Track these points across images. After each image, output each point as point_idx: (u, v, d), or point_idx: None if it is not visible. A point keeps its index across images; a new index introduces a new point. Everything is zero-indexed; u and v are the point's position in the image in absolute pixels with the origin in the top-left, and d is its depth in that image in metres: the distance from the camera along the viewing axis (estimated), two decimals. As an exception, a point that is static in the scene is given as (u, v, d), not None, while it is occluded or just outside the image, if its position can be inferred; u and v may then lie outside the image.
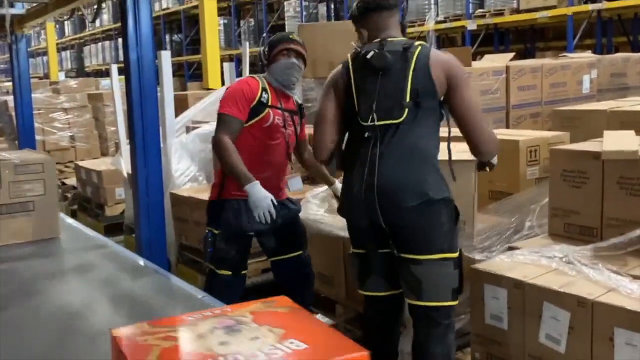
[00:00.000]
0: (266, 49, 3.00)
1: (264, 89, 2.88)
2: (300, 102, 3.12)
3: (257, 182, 2.72)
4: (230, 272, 2.92)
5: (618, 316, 1.99)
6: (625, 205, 2.47)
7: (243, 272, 3.00)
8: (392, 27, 2.44)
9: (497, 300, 2.36)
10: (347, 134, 2.47)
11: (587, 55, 6.20)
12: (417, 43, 2.35)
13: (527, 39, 11.85)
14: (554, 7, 9.05)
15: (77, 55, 21.12)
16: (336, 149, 2.47)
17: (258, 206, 2.70)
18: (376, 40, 2.40)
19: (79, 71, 19.35)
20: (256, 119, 2.84)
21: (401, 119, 2.28)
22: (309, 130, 3.04)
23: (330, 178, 3.19)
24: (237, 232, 2.88)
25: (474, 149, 2.44)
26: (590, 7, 8.76)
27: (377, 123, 2.29)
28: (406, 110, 2.28)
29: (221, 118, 2.83)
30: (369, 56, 2.34)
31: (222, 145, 2.75)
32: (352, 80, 2.37)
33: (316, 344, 0.91)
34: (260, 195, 2.70)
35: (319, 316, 3.51)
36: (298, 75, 3.00)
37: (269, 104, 2.87)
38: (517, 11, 9.54)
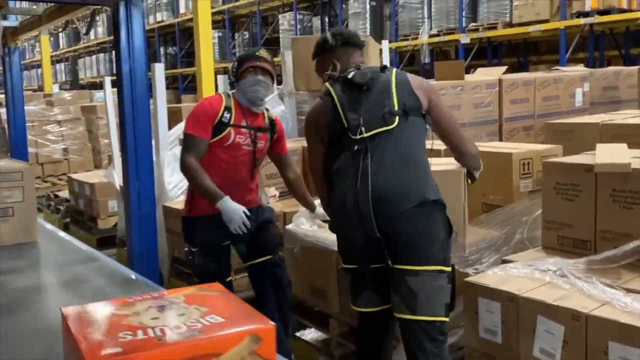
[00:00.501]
0: (235, 66, 3.03)
1: (226, 108, 2.91)
2: (272, 117, 3.13)
3: (227, 197, 2.81)
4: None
5: (612, 330, 1.98)
6: (619, 218, 2.46)
7: (228, 279, 3.08)
8: (362, 61, 2.60)
9: (491, 313, 2.35)
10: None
11: (580, 69, 6.24)
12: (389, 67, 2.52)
13: (520, 53, 11.92)
14: (546, 21, 9.12)
15: (72, 68, 21.13)
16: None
17: (232, 220, 2.80)
18: (350, 69, 2.49)
19: (73, 84, 19.39)
20: (216, 137, 2.89)
21: (393, 126, 2.34)
22: (293, 144, 3.11)
23: (312, 204, 3.20)
24: (212, 247, 2.97)
25: (461, 157, 2.59)
26: (583, 21, 8.83)
27: (365, 135, 2.33)
28: (397, 117, 2.35)
29: (186, 139, 2.91)
30: (350, 76, 2.43)
31: (188, 167, 2.85)
32: (337, 100, 2.42)
33: (231, 318, 1.11)
34: (232, 209, 2.80)
35: (311, 330, 3.49)
36: (265, 91, 3.00)
37: (231, 123, 2.90)
38: (510, 25, 9.60)
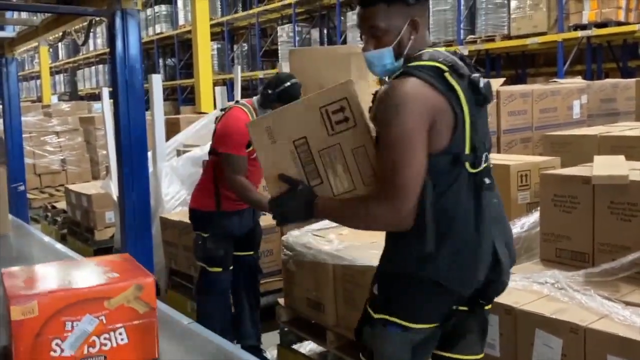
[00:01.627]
0: (275, 97, 3.14)
1: None
2: None
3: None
4: (220, 269, 3.34)
5: (611, 343, 1.96)
6: (616, 230, 2.45)
7: (230, 267, 3.41)
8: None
9: (489, 326, 2.33)
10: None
11: (577, 81, 6.24)
12: None
13: (518, 65, 11.96)
14: (544, 33, 9.15)
15: (71, 79, 21.16)
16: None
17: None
18: (439, 48, 1.81)
19: (72, 95, 19.36)
20: (247, 151, 3.16)
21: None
22: None
23: None
24: (228, 235, 3.34)
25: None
26: (580, 33, 8.86)
27: (482, 168, 1.75)
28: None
29: (230, 159, 3.16)
30: (481, 84, 1.72)
31: (239, 186, 3.16)
32: (465, 106, 1.69)
33: (123, 274, 1.50)
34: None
35: (308, 343, 3.46)
36: None
37: None
38: (508, 37, 9.63)
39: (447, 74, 1.68)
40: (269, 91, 3.16)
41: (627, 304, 2.15)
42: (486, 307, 1.91)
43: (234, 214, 3.36)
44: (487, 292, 1.83)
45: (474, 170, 1.72)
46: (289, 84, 3.17)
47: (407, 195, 1.65)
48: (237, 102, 3.44)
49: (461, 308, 1.83)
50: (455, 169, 1.70)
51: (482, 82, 1.72)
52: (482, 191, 1.74)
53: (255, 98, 3.32)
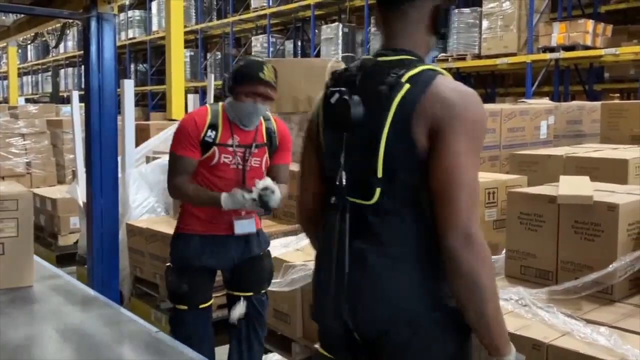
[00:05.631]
0: (231, 80, 2.64)
1: (211, 126, 2.62)
2: (273, 128, 2.77)
3: (223, 194, 2.57)
4: (186, 307, 2.73)
5: (572, 360, 2.00)
6: (580, 249, 2.50)
7: (202, 305, 2.76)
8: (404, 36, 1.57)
9: (453, 341, 2.35)
10: None
11: (545, 102, 6.38)
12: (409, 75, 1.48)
13: (488, 84, 12.16)
14: (514, 54, 9.33)
15: (52, 80, 20.62)
16: None
17: (238, 203, 2.56)
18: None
19: (53, 96, 18.68)
20: (202, 157, 2.65)
21: None
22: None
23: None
24: (186, 265, 2.71)
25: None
26: (549, 56, 9.07)
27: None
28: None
29: (170, 158, 2.70)
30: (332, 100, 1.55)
31: (176, 188, 2.67)
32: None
33: None
34: (234, 198, 2.56)
35: (274, 354, 3.45)
36: (260, 115, 2.68)
37: (217, 142, 2.63)
38: (479, 57, 9.81)
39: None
40: (225, 75, 2.82)
41: (588, 321, 2.19)
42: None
43: (192, 238, 2.72)
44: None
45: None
46: (242, 63, 2.69)
47: None
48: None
49: None
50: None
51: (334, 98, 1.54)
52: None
53: None
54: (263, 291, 2.84)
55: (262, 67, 2.60)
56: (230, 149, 2.65)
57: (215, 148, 2.63)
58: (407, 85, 1.45)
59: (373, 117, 1.47)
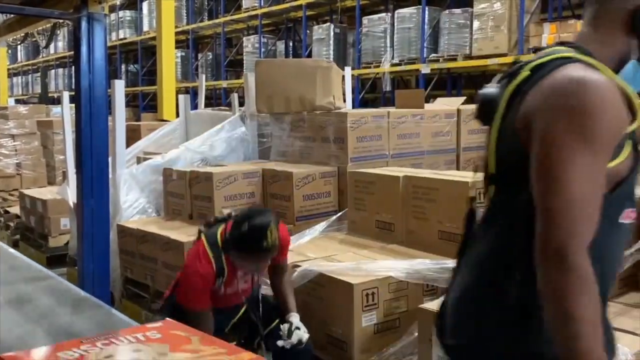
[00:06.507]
0: (234, 239, 2.63)
1: (219, 274, 2.69)
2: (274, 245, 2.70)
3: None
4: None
5: None
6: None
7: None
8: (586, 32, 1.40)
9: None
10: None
11: (535, 102, 6.40)
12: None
13: (479, 84, 12.16)
14: (504, 55, 9.37)
15: (42, 81, 20.47)
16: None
17: None
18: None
19: (42, 97, 18.58)
20: None
21: None
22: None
23: (292, 307, 2.89)
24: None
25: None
26: (539, 56, 9.11)
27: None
28: None
29: (194, 315, 2.62)
30: None
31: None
32: None
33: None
34: None
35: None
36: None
37: (224, 282, 2.75)
38: (470, 57, 9.84)
39: None
40: (228, 234, 2.68)
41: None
42: None
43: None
44: None
45: None
46: (244, 229, 2.58)
47: None
48: (208, 225, 2.87)
49: None
50: None
51: None
52: None
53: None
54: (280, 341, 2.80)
55: (266, 233, 2.55)
56: (234, 283, 2.80)
57: (222, 286, 2.76)
58: (524, 74, 1.32)
59: (497, 109, 1.36)
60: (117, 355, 1.03)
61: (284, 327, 2.79)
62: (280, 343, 2.77)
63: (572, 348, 1.15)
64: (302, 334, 2.77)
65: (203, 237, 2.77)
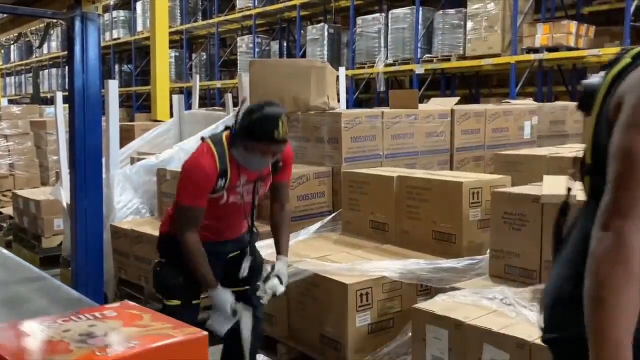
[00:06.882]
0: (245, 127, 2.51)
1: (222, 173, 2.56)
2: (279, 157, 2.67)
3: (218, 287, 2.60)
4: (179, 302, 2.68)
5: (555, 358, 2.01)
6: (563, 248, 2.52)
7: (194, 302, 2.73)
8: None
9: (438, 341, 2.37)
10: None
11: (529, 103, 6.43)
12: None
13: (473, 85, 12.22)
14: (498, 55, 9.39)
15: (34, 81, 20.37)
16: None
17: (216, 313, 2.61)
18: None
19: (34, 97, 18.47)
20: (210, 197, 2.61)
21: None
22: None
23: (282, 249, 2.79)
24: (181, 261, 2.65)
25: None
26: (533, 57, 9.14)
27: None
28: None
29: (184, 211, 2.59)
30: None
31: (188, 247, 2.58)
32: None
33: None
34: (221, 301, 2.60)
35: (259, 356, 3.44)
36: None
37: (227, 186, 2.60)
38: (464, 58, 9.86)
39: None
40: (235, 126, 2.58)
41: (572, 320, 2.21)
42: None
43: None
44: None
45: None
46: (257, 116, 2.49)
47: None
48: (214, 135, 2.76)
49: None
50: None
51: None
52: None
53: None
54: (259, 283, 2.75)
55: (278, 123, 2.48)
56: (239, 189, 2.63)
57: (224, 192, 2.60)
58: (626, 61, 1.29)
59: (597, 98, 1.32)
60: (74, 329, 1.14)
61: (267, 270, 2.67)
62: (258, 293, 2.66)
63: (599, 334, 1.11)
64: (277, 285, 2.62)
65: (208, 140, 2.66)
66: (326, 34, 11.97)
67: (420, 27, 10.35)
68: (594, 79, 1.37)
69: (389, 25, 10.83)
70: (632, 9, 8.24)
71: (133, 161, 5.06)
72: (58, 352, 1.05)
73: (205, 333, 1.15)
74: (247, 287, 2.78)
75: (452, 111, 4.92)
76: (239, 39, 14.57)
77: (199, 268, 2.58)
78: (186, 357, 1.10)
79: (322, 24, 12.67)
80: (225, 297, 2.61)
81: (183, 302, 2.68)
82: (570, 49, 8.90)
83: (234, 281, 2.77)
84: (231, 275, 2.77)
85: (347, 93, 8.89)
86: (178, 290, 2.68)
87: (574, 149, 4.14)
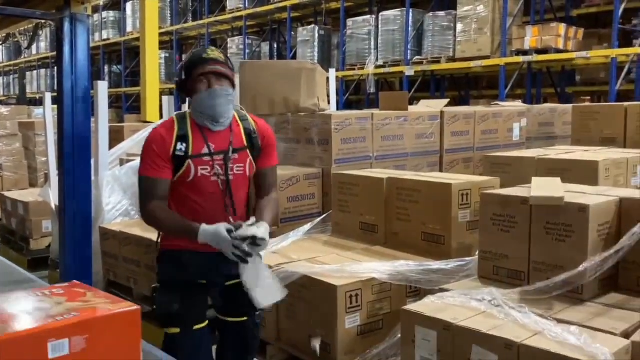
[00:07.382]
0: (181, 77, 2.41)
1: (180, 137, 2.36)
2: (252, 128, 2.49)
3: (202, 225, 2.30)
4: (178, 329, 2.44)
5: (543, 359, 2.03)
6: (551, 250, 2.54)
7: (197, 327, 2.46)
8: None
9: (427, 342, 2.37)
10: None
11: (518, 105, 6.46)
12: None
13: (462, 87, 12.27)
14: (487, 57, 9.44)
15: (19, 82, 20.26)
16: None
17: (221, 247, 2.28)
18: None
19: (20, 98, 18.31)
20: (177, 174, 2.38)
21: None
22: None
23: (265, 218, 2.45)
24: (175, 281, 2.46)
25: None
26: (522, 59, 9.19)
27: None
28: None
29: (141, 182, 2.40)
30: None
31: (149, 216, 2.38)
32: None
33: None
34: (212, 234, 2.27)
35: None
36: (226, 103, 2.37)
37: (189, 154, 2.36)
38: (453, 60, 9.90)
39: None
40: (176, 79, 2.45)
41: (559, 321, 2.23)
42: None
43: (175, 252, 2.46)
44: None
45: None
46: (188, 56, 2.47)
47: None
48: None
49: None
50: None
51: None
52: None
53: None
54: (258, 312, 2.54)
55: (205, 49, 2.43)
56: (207, 158, 2.38)
57: (189, 162, 2.36)
58: None
59: None
60: (24, 302, 1.38)
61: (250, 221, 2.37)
62: (235, 243, 2.27)
63: None
64: (256, 229, 2.29)
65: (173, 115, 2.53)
66: (316, 35, 11.99)
67: (410, 28, 10.39)
68: None
69: (379, 26, 10.86)
70: (620, 11, 8.31)
71: (122, 162, 5.04)
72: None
73: (137, 307, 1.35)
74: (244, 318, 2.58)
75: (442, 113, 4.94)
76: (229, 40, 14.56)
77: (174, 227, 2.36)
78: (119, 326, 1.33)
79: (312, 26, 12.69)
80: (213, 228, 2.28)
81: (182, 329, 2.45)
82: (558, 51, 8.97)
83: (228, 309, 2.57)
84: (229, 302, 2.56)
85: (337, 94, 8.90)
86: (175, 317, 2.44)
87: (562, 151, 4.16)
